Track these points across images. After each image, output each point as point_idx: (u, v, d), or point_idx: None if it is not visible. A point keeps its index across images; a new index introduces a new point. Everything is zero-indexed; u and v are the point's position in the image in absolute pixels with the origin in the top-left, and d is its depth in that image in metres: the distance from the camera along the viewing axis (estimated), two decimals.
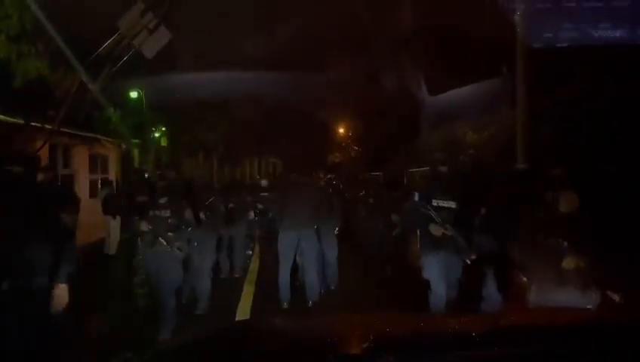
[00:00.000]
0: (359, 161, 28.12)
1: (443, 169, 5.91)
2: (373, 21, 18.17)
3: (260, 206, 8.23)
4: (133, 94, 17.16)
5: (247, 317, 5.83)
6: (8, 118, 9.24)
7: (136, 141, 17.01)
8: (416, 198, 5.36)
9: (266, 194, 8.53)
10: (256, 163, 35.15)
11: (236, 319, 5.69)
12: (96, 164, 13.86)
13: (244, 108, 22.91)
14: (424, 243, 5.11)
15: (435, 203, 4.96)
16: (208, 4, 14.73)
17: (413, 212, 5.30)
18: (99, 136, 13.46)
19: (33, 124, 9.36)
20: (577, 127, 8.49)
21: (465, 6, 12.90)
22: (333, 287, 7.06)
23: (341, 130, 33.01)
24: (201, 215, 5.78)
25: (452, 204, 4.97)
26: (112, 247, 10.38)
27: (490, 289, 5.28)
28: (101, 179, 13.80)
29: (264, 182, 9.52)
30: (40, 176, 5.56)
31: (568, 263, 3.96)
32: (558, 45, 6.11)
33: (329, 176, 11.60)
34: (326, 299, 6.51)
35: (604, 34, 5.71)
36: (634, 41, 5.70)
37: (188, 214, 5.09)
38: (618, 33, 5.72)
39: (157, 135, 19.95)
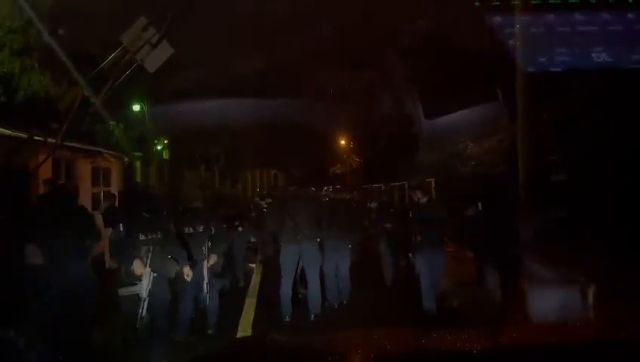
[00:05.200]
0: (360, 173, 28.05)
1: None
2: (372, 38, 18.38)
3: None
4: (136, 107, 17.24)
5: (249, 331, 5.80)
6: (12, 132, 9.27)
7: (139, 154, 17.04)
8: None
9: None
10: (258, 174, 35.11)
11: (238, 333, 5.67)
12: (99, 177, 13.89)
13: (246, 121, 22.98)
14: None
15: None
16: (209, 20, 14.86)
17: None
18: (101, 150, 13.50)
19: (36, 138, 9.40)
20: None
21: (460, 31, 13.12)
22: (345, 302, 6.81)
23: (342, 142, 32.93)
24: None
25: None
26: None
27: None
28: (103, 192, 13.82)
29: None
30: None
31: None
32: (553, 69, 6.21)
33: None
34: (330, 313, 6.43)
35: (598, 58, 5.79)
36: (629, 65, 5.77)
37: None
38: (612, 57, 5.79)
39: (159, 148, 20.00)
